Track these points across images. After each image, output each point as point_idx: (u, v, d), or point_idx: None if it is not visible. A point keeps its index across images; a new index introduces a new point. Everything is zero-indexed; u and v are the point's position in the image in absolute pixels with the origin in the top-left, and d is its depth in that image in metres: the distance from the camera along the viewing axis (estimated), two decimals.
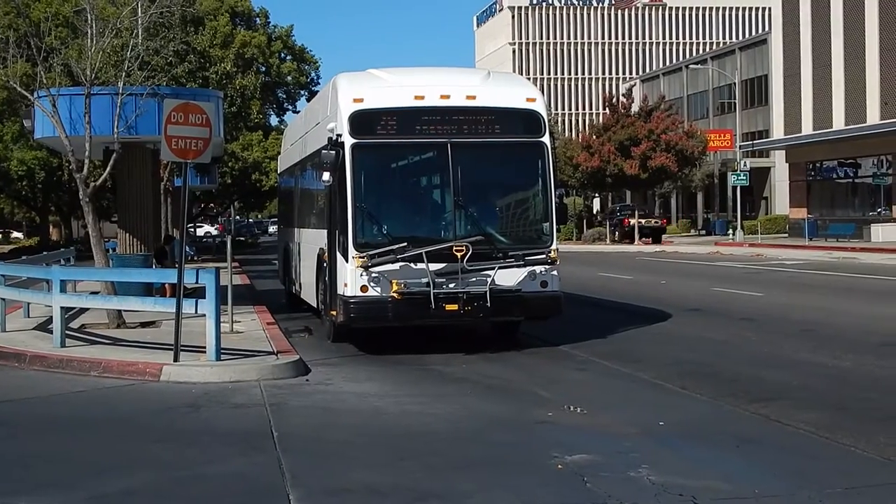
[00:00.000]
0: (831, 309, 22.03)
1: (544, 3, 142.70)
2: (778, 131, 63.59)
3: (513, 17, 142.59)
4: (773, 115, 66.06)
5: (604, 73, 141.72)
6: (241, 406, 12.21)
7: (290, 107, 67.41)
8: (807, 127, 59.23)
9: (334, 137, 16.20)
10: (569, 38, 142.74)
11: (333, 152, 16.06)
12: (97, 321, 19.41)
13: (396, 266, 15.66)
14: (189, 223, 47.34)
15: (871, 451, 9.54)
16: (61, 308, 16.48)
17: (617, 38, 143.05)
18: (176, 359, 14.40)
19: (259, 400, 12.51)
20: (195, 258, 45.77)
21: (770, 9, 69.78)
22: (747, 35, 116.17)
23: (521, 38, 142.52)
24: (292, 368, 14.40)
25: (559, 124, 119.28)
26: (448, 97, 16.44)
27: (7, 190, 65.86)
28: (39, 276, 19.52)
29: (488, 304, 15.65)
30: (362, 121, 16.15)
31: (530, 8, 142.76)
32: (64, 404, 12.73)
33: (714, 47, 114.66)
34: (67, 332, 16.85)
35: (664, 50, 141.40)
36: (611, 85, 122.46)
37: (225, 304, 17.24)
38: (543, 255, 16.28)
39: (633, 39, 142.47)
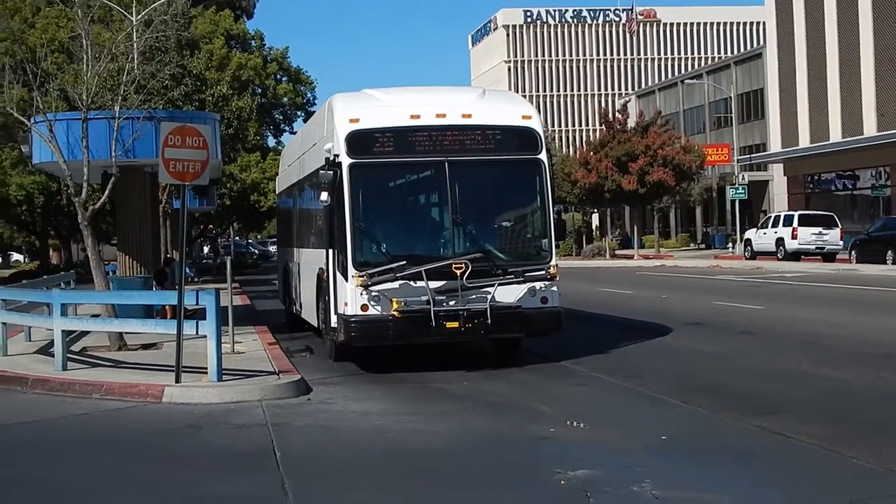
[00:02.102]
0: (832, 321, 21.99)
1: (539, 21, 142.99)
2: (775, 145, 63.67)
3: (507, 35, 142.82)
4: (769, 129, 66.18)
5: (599, 89, 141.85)
6: (244, 426, 12.19)
7: (286, 127, 67.70)
8: (804, 140, 59.30)
9: (331, 157, 16.22)
10: (564, 55, 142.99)
11: (331, 172, 16.07)
12: (98, 344, 19.40)
13: (396, 284, 15.65)
14: (188, 245, 47.37)
15: (874, 464, 9.50)
16: (62, 331, 16.47)
17: (612, 54, 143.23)
18: (177, 380, 14.40)
19: (261, 420, 12.50)
20: (195, 279, 45.77)
21: (764, 23, 70.01)
22: (742, 49, 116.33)
23: (516, 56, 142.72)
24: (294, 388, 14.38)
25: (556, 141, 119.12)
26: (444, 116, 16.45)
27: (6, 215, 66.01)
28: (40, 299, 19.51)
29: (489, 321, 15.63)
30: (359, 140, 16.16)
31: (525, 26, 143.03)
32: (66, 427, 12.72)
33: (709, 62, 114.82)
34: (69, 355, 16.85)
35: (659, 65, 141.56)
36: (607, 101, 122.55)
37: (226, 324, 17.25)
38: (543, 272, 16.24)
39: (628, 55, 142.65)
